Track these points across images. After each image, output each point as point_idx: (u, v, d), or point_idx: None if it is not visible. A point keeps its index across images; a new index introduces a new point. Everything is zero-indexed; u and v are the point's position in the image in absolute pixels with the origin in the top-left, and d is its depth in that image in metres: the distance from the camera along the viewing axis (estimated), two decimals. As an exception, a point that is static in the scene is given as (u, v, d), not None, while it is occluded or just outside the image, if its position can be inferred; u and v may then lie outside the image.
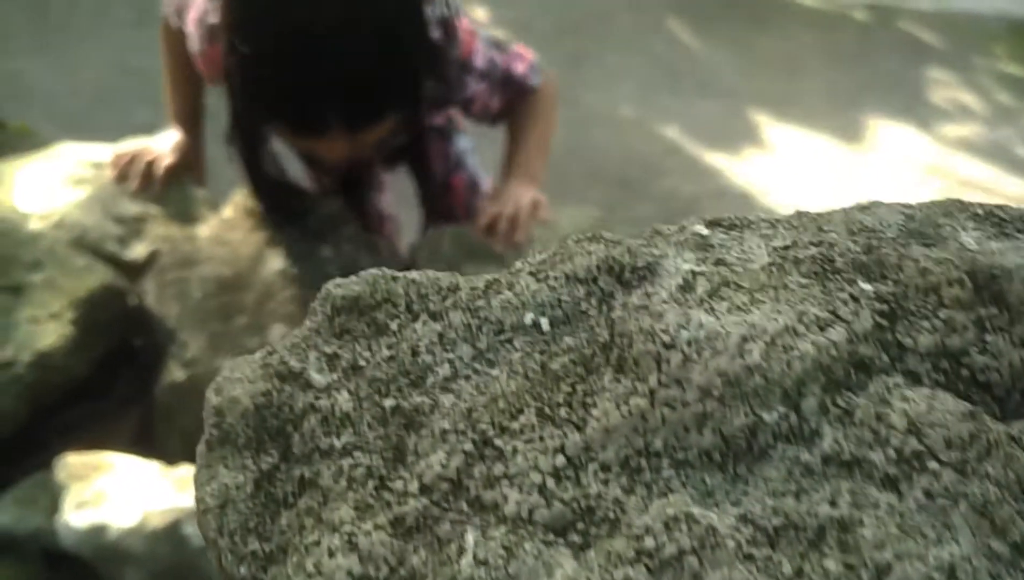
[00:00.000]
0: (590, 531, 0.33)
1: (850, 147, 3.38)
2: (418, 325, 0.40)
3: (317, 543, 0.35)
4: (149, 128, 1.77)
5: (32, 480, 1.32)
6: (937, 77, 3.90)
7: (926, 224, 0.40)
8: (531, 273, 0.40)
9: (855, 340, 0.35)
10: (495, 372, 0.38)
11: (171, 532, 1.25)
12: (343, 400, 0.38)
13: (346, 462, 0.37)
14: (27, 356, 1.34)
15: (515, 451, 0.35)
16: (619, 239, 0.41)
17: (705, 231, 0.41)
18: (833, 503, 0.32)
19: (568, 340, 0.38)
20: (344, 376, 0.39)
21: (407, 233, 1.90)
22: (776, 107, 3.54)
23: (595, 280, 0.40)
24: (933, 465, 0.33)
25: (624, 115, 3.43)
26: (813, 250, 0.39)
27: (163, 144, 1.64)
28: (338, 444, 0.37)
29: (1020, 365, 0.36)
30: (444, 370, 0.39)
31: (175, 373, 1.43)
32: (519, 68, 1.54)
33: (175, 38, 1.55)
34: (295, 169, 1.72)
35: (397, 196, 1.88)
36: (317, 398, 0.39)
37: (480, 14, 3.69)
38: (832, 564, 0.31)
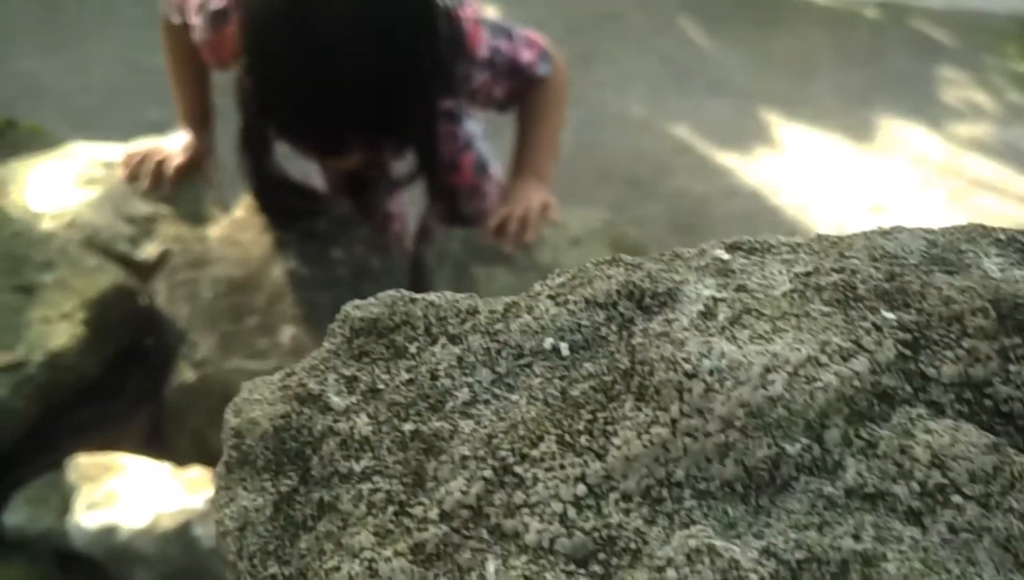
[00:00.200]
0: (611, 561, 0.33)
1: (861, 146, 3.37)
2: (437, 348, 0.40)
3: (337, 568, 0.35)
4: (160, 127, 1.77)
5: (43, 480, 1.32)
6: (949, 76, 3.89)
7: (948, 250, 0.40)
8: (550, 296, 0.40)
9: (878, 370, 0.35)
10: (515, 397, 0.38)
11: (182, 533, 1.25)
12: (362, 424, 0.38)
13: (365, 486, 0.37)
14: (39, 356, 1.34)
15: (536, 479, 0.35)
16: (639, 262, 0.41)
17: (726, 256, 0.41)
18: (857, 537, 0.32)
19: (588, 366, 0.38)
20: (363, 399, 0.39)
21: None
22: (787, 106, 3.53)
23: (615, 305, 0.39)
24: (957, 499, 0.32)
25: (634, 114, 3.43)
26: (835, 277, 0.39)
27: (173, 144, 1.64)
28: (357, 468, 0.37)
29: (1044, 395, 0.35)
30: (463, 394, 0.38)
31: (185, 374, 1.43)
32: (526, 57, 1.51)
33: (177, 36, 1.56)
34: (304, 169, 1.72)
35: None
36: (336, 421, 0.39)
37: (490, 13, 3.68)
38: (855, 598, 0.31)
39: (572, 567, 0.33)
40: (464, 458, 0.36)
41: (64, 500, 1.28)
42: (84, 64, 3.17)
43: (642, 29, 4.00)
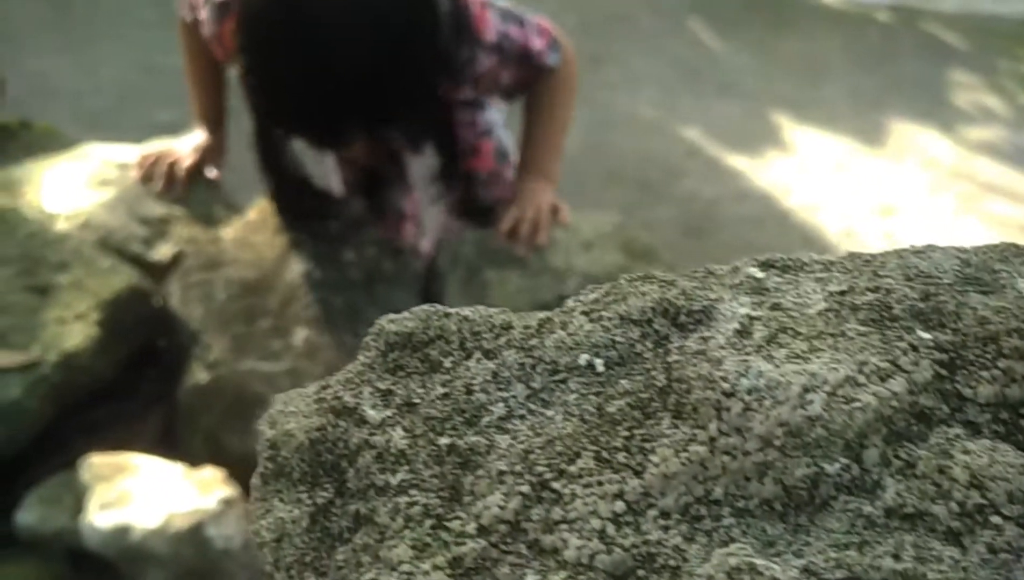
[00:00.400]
0: (651, 579, 0.33)
1: (872, 149, 3.36)
2: (471, 363, 0.40)
3: (375, 581, 0.35)
4: (172, 127, 1.77)
5: (57, 480, 1.33)
6: (960, 79, 3.88)
7: (982, 270, 0.40)
8: (584, 312, 0.41)
9: (915, 391, 0.35)
10: (550, 413, 0.38)
11: (194, 534, 1.26)
12: (398, 437, 0.38)
13: (402, 500, 0.37)
14: (53, 356, 1.35)
15: (574, 495, 0.35)
16: (672, 279, 0.41)
17: (760, 274, 0.41)
18: (897, 556, 0.32)
19: (624, 383, 0.38)
20: (399, 413, 0.39)
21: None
22: (797, 109, 3.53)
23: (650, 322, 0.40)
24: (996, 519, 0.33)
25: (644, 116, 3.43)
26: (870, 296, 0.39)
27: (186, 144, 1.65)
28: (394, 481, 0.38)
29: (1078, 415, 0.36)
30: (499, 409, 0.39)
31: (199, 375, 1.43)
32: (536, 44, 1.47)
33: (192, 35, 1.56)
34: (320, 169, 1.72)
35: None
36: (372, 434, 0.39)
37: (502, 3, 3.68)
38: (895, 618, 0.31)
39: (612, 584, 0.33)
40: (501, 473, 0.36)
41: (77, 500, 1.28)
42: (96, 64, 3.18)
43: (652, 30, 4.00)
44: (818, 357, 0.36)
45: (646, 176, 3.06)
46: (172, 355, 1.50)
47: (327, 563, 0.37)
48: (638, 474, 0.35)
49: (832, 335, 0.37)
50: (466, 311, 0.42)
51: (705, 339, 0.38)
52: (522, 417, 0.38)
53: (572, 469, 0.36)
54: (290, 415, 0.40)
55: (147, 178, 1.61)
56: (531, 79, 1.51)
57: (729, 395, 0.36)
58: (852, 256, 0.42)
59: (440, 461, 0.38)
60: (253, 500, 0.39)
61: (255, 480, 0.40)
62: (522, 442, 0.37)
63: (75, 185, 1.60)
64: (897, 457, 0.34)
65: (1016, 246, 0.42)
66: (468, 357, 0.41)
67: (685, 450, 0.35)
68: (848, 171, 3.24)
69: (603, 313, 0.40)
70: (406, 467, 0.38)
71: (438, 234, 1.77)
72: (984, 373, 0.36)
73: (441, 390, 0.40)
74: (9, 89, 1.94)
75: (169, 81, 2.46)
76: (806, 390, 0.35)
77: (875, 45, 4.12)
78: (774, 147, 3.33)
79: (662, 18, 4.08)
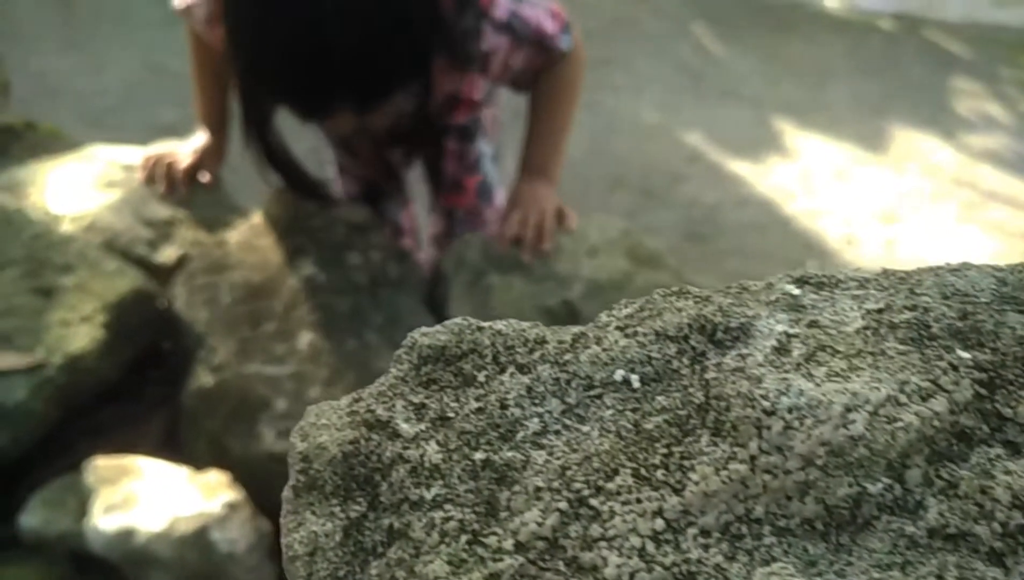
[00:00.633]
0: (692, 598, 0.33)
1: (874, 156, 3.37)
2: (505, 377, 0.40)
3: (410, 597, 0.35)
4: (175, 128, 1.78)
5: (61, 482, 1.32)
6: (963, 87, 3.89)
7: (1019, 289, 0.40)
8: (619, 328, 0.41)
9: (956, 410, 0.36)
10: (586, 429, 0.38)
11: (199, 538, 1.26)
12: (432, 451, 0.38)
13: (437, 514, 0.37)
14: (58, 359, 1.34)
15: (613, 512, 0.35)
16: (707, 295, 0.41)
17: (796, 290, 0.41)
18: (940, 577, 0.32)
19: (661, 399, 0.38)
20: (432, 427, 0.39)
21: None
22: (801, 115, 3.53)
23: (686, 338, 0.40)
24: (1038, 541, 0.33)
25: (647, 120, 3.43)
26: (908, 314, 0.39)
27: (188, 146, 1.64)
28: (428, 496, 0.37)
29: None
30: (534, 424, 0.39)
31: (203, 378, 1.43)
32: (549, 26, 1.43)
33: (192, 35, 1.56)
34: (315, 169, 1.72)
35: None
36: (405, 448, 0.39)
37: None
38: (939, 640, 0.31)
39: (652, 602, 0.33)
40: (538, 489, 0.36)
41: (81, 503, 1.28)
42: (100, 64, 3.17)
43: (656, 35, 4.01)
44: (858, 376, 0.36)
45: (648, 181, 3.06)
46: (177, 358, 1.50)
47: (361, 577, 0.37)
48: (677, 492, 0.35)
49: (871, 354, 0.37)
50: (499, 325, 0.42)
51: (743, 356, 0.38)
52: (557, 432, 0.38)
53: (610, 486, 0.36)
54: (322, 428, 0.40)
55: (150, 180, 1.61)
56: (543, 63, 1.48)
57: (770, 413, 0.36)
58: (887, 273, 0.42)
59: (475, 476, 0.38)
60: (285, 513, 0.39)
61: (287, 493, 0.40)
62: (559, 458, 0.37)
63: (80, 187, 1.60)
64: (939, 477, 0.34)
65: (1052, 266, 0.42)
66: (502, 371, 0.40)
67: (725, 468, 0.35)
68: (850, 177, 3.24)
69: (638, 328, 0.40)
70: (440, 482, 0.38)
71: (433, 247, 1.76)
72: (1023, 393, 0.36)
73: (475, 404, 0.40)
74: (13, 89, 1.94)
75: (173, 81, 2.47)
76: (848, 409, 0.35)
77: (878, 52, 4.13)
78: (776, 153, 3.34)
79: (665, 22, 4.09)
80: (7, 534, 1.28)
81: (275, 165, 1.52)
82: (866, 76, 3.87)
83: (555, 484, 0.36)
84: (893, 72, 3.94)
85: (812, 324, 0.39)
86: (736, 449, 0.36)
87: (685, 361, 0.39)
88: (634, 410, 0.38)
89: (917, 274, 0.42)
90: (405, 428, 0.39)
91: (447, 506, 0.37)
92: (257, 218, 1.60)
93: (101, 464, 1.32)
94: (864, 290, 0.41)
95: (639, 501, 0.35)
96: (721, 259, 2.69)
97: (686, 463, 0.36)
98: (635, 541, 0.34)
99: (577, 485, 0.36)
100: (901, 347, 0.38)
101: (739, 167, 3.22)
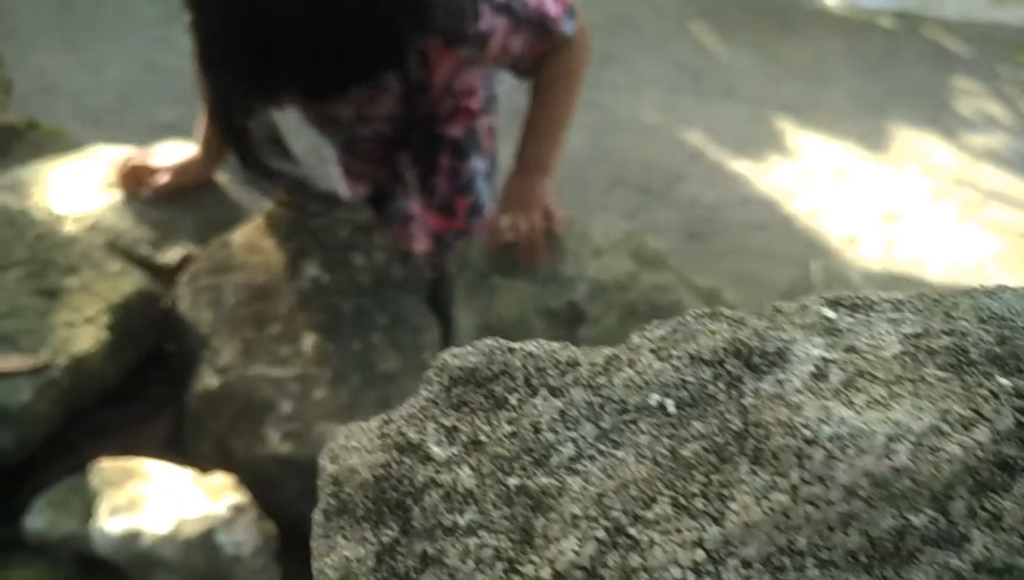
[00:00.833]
0: (733, 630, 0.33)
1: (874, 155, 3.37)
2: (538, 400, 0.40)
3: (446, 624, 0.35)
4: (174, 125, 1.77)
5: (66, 484, 1.32)
6: (963, 86, 3.89)
7: (1056, 312, 0.40)
8: (652, 350, 0.40)
9: (998, 439, 0.35)
10: (621, 454, 0.38)
11: (205, 540, 1.25)
12: (465, 476, 0.38)
13: (472, 541, 0.36)
14: (63, 360, 1.34)
15: (652, 542, 0.35)
16: (741, 317, 0.41)
17: (831, 313, 0.40)
18: (985, 612, 0.32)
19: (697, 425, 0.38)
20: (464, 450, 0.39)
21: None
22: (800, 114, 3.53)
23: (722, 362, 0.39)
24: (1084, 574, 0.32)
25: (647, 120, 3.43)
26: (946, 340, 0.38)
27: (170, 159, 1.61)
28: (462, 521, 0.37)
29: None
30: (568, 450, 0.38)
31: (207, 380, 1.42)
32: (551, 9, 1.37)
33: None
34: (320, 173, 1.72)
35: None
36: (438, 472, 0.38)
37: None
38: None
39: (694, 634, 0.33)
40: (575, 517, 0.36)
41: (87, 505, 1.27)
42: (100, 63, 3.16)
43: (656, 34, 4.00)
44: (899, 404, 0.36)
45: (648, 180, 3.06)
46: (181, 359, 1.50)
47: (394, 604, 0.37)
48: (717, 521, 0.35)
49: (911, 381, 0.37)
50: (530, 346, 0.42)
51: (780, 382, 0.38)
52: (592, 458, 0.38)
53: (648, 515, 0.35)
54: (352, 451, 0.40)
55: (122, 186, 1.59)
56: (545, 48, 1.43)
57: (811, 442, 0.35)
58: (921, 296, 0.42)
59: (509, 502, 0.37)
60: (315, 537, 0.39)
61: (317, 516, 0.39)
62: (595, 485, 0.37)
63: (83, 187, 1.59)
64: (983, 508, 0.34)
65: (1086, 288, 0.41)
66: (534, 394, 0.40)
67: (766, 498, 0.35)
68: (850, 177, 3.24)
69: (672, 351, 0.40)
70: (474, 507, 0.37)
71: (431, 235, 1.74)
72: (1064, 421, 0.36)
73: (508, 428, 0.39)
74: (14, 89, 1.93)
75: (172, 80, 2.46)
76: (891, 439, 0.35)
77: (878, 51, 4.13)
78: (776, 152, 3.33)
79: (665, 21, 4.09)
80: (12, 536, 1.28)
81: (252, 165, 1.47)
82: (866, 75, 3.87)
83: (592, 512, 0.36)
84: (893, 71, 3.94)
85: (849, 349, 0.39)
86: (777, 478, 0.35)
87: (721, 386, 0.39)
88: (670, 436, 0.38)
89: (952, 297, 0.41)
90: (437, 452, 0.39)
91: (481, 532, 0.37)
92: (261, 219, 1.59)
93: (106, 466, 1.31)
94: (899, 313, 0.41)
95: (679, 531, 0.35)
96: (721, 258, 2.69)
97: (725, 492, 0.36)
98: (676, 572, 0.34)
99: (614, 513, 0.36)
100: (940, 374, 0.37)
101: (739, 166, 3.22)
